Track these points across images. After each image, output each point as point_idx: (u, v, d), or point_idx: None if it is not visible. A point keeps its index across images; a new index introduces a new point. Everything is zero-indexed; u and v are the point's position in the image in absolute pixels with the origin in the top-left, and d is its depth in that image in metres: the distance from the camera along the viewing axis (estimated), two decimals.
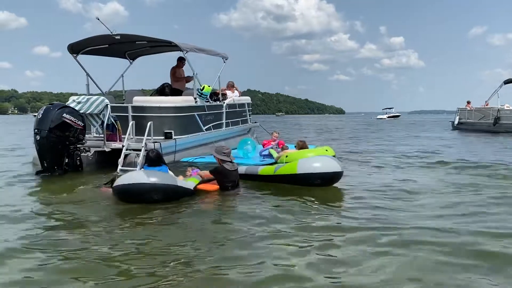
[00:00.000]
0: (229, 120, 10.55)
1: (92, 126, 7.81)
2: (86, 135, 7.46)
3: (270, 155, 7.93)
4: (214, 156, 5.67)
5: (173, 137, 8.06)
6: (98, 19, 8.40)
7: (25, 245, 3.43)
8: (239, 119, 11.44)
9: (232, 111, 10.79)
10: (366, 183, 6.16)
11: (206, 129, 9.28)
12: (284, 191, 5.40)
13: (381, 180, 6.42)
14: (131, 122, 7.61)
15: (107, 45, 9.30)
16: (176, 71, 10.08)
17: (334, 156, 7.38)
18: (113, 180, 5.38)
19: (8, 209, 4.63)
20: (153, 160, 5.35)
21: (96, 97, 7.82)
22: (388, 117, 67.75)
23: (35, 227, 3.95)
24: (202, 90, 9.03)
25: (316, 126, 33.42)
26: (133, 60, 10.85)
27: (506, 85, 21.97)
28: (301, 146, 7.56)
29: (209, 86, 9.28)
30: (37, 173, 6.85)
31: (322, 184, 5.50)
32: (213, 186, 5.45)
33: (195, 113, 8.90)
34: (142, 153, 6.95)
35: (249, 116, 12.40)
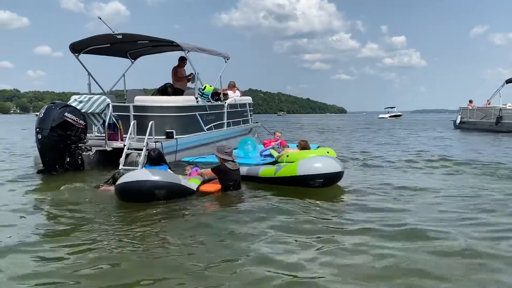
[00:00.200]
0: (230, 120, 10.55)
1: (93, 125, 7.83)
2: (87, 134, 7.47)
3: (270, 155, 7.92)
4: (216, 155, 5.67)
5: (175, 136, 8.07)
6: (100, 18, 8.42)
7: (25, 243, 3.44)
8: (240, 119, 11.44)
9: (233, 111, 10.79)
10: (368, 183, 6.15)
11: (208, 129, 9.29)
12: (285, 191, 5.39)
13: (383, 180, 6.40)
14: (132, 122, 7.62)
15: (108, 45, 9.32)
16: (177, 71, 10.08)
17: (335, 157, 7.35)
18: (114, 178, 5.40)
19: (9, 208, 4.65)
20: (155, 159, 5.36)
21: (97, 96, 7.85)
22: (390, 116, 67.68)
23: (35, 226, 3.96)
24: (203, 90, 9.04)
25: (318, 126, 33.40)
26: (135, 59, 10.87)
27: (507, 84, 21.94)
28: (303, 146, 7.54)
29: (210, 86, 9.29)
30: (39, 172, 6.87)
31: (323, 185, 5.47)
32: (215, 186, 5.45)
33: (197, 113, 8.90)
34: (143, 153, 6.96)
35: (250, 116, 12.40)
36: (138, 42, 9.50)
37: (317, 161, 5.62)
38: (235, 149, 7.27)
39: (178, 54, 10.10)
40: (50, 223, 4.16)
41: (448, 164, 8.16)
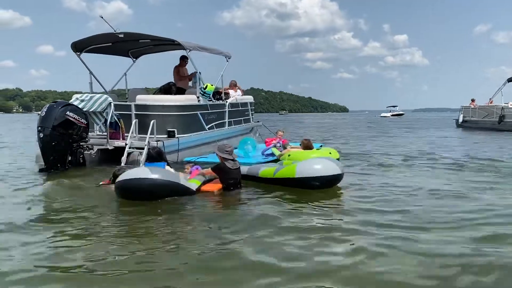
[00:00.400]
0: (232, 119, 10.55)
1: (95, 124, 7.84)
2: (89, 133, 7.49)
3: (272, 154, 7.91)
4: (217, 154, 5.69)
5: (176, 135, 8.08)
6: (102, 17, 8.43)
7: (24, 241, 3.46)
8: (242, 118, 11.44)
9: (234, 110, 10.79)
10: (369, 182, 6.15)
11: (209, 128, 9.29)
12: (286, 191, 5.37)
13: (385, 180, 6.38)
14: (134, 121, 7.64)
15: (110, 44, 9.33)
16: (180, 70, 10.09)
17: (338, 158, 7.32)
18: (114, 175, 5.42)
19: (9, 207, 4.66)
20: (154, 157, 5.37)
21: (99, 95, 7.86)
22: (392, 115, 67.66)
23: (35, 225, 3.98)
24: (205, 89, 9.04)
25: (319, 125, 33.37)
26: (136, 58, 10.88)
27: (509, 83, 21.86)
28: (306, 145, 7.52)
29: (212, 85, 9.29)
30: (40, 170, 6.88)
31: (321, 187, 5.42)
32: (216, 186, 5.45)
33: (198, 112, 8.91)
34: (145, 152, 6.97)
35: (252, 116, 12.40)
36: (140, 41, 9.51)
37: (316, 163, 5.51)
38: (235, 148, 7.27)
39: (179, 53, 10.12)
40: (49, 221, 4.16)
41: (451, 164, 8.14)
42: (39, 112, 7.07)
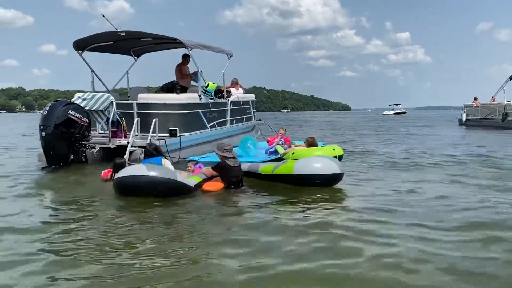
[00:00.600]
0: (234, 118, 10.55)
1: (97, 123, 7.86)
2: (91, 132, 7.51)
3: (276, 152, 7.87)
4: (216, 153, 5.70)
5: (178, 134, 8.08)
6: (103, 16, 8.42)
7: (24, 239, 3.48)
8: (243, 116, 11.43)
9: (236, 108, 10.78)
10: (370, 181, 6.15)
11: (211, 126, 9.29)
12: (287, 190, 5.37)
13: (385, 179, 6.37)
14: (136, 119, 7.64)
15: (112, 42, 9.33)
16: (182, 68, 10.08)
17: (342, 155, 7.29)
18: (115, 164, 5.54)
19: (10, 206, 4.68)
20: (151, 153, 5.42)
21: (101, 94, 7.87)
22: (395, 113, 67.40)
23: (36, 223, 4.00)
24: (206, 87, 9.03)
25: (321, 123, 33.31)
26: (138, 57, 10.88)
27: (511, 80, 21.74)
28: (310, 143, 7.49)
29: (213, 83, 9.29)
30: (43, 169, 6.91)
31: (320, 185, 5.35)
32: (218, 185, 5.45)
33: (200, 110, 8.91)
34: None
35: (254, 114, 12.39)
36: (141, 39, 9.51)
37: (314, 161, 5.47)
38: (235, 146, 7.26)
39: (181, 51, 10.12)
40: (49, 220, 4.18)
41: (452, 162, 8.11)
42: (42, 111, 7.10)
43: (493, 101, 21.96)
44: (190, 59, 9.55)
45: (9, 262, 3.00)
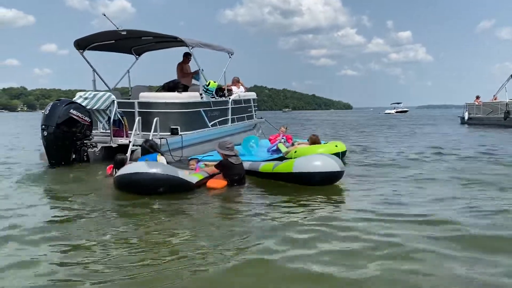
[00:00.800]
0: (235, 116, 10.54)
1: (99, 122, 7.86)
2: (93, 131, 7.52)
3: (278, 150, 7.85)
4: (218, 152, 5.70)
5: (179, 133, 8.08)
6: (104, 15, 8.42)
7: (24, 239, 3.49)
8: (245, 114, 11.42)
9: (237, 107, 10.78)
10: (371, 180, 6.13)
11: (212, 125, 9.29)
12: (287, 188, 5.37)
13: (388, 178, 6.35)
14: (137, 118, 7.64)
15: (113, 41, 9.34)
16: (183, 67, 10.08)
17: (345, 151, 7.25)
18: (116, 160, 5.57)
19: (10, 205, 4.69)
20: (147, 150, 5.43)
21: (102, 93, 7.86)
22: (396, 112, 67.31)
23: (36, 223, 3.99)
24: (208, 86, 9.03)
25: (322, 122, 33.28)
26: (139, 55, 10.89)
27: None
28: (313, 140, 7.48)
29: (215, 82, 9.28)
30: (50, 166, 6.91)
31: (320, 183, 5.34)
32: (222, 183, 5.45)
33: (201, 109, 8.91)
34: None
35: (255, 112, 12.38)
36: (142, 38, 9.52)
37: (314, 159, 5.44)
38: (238, 145, 7.26)
39: (182, 50, 10.11)
40: (49, 219, 4.18)
41: (455, 161, 8.09)
42: (44, 111, 7.10)
43: (495, 99, 21.91)
44: (191, 57, 9.55)
45: (9, 262, 3.00)
